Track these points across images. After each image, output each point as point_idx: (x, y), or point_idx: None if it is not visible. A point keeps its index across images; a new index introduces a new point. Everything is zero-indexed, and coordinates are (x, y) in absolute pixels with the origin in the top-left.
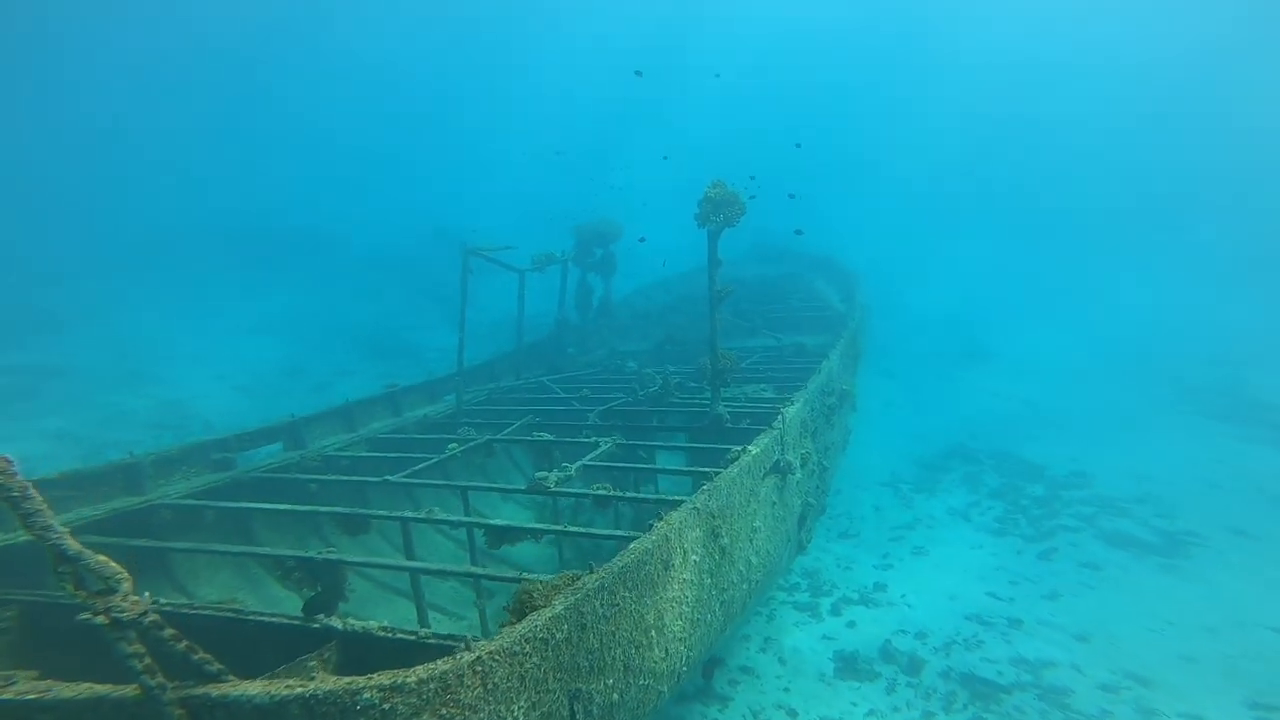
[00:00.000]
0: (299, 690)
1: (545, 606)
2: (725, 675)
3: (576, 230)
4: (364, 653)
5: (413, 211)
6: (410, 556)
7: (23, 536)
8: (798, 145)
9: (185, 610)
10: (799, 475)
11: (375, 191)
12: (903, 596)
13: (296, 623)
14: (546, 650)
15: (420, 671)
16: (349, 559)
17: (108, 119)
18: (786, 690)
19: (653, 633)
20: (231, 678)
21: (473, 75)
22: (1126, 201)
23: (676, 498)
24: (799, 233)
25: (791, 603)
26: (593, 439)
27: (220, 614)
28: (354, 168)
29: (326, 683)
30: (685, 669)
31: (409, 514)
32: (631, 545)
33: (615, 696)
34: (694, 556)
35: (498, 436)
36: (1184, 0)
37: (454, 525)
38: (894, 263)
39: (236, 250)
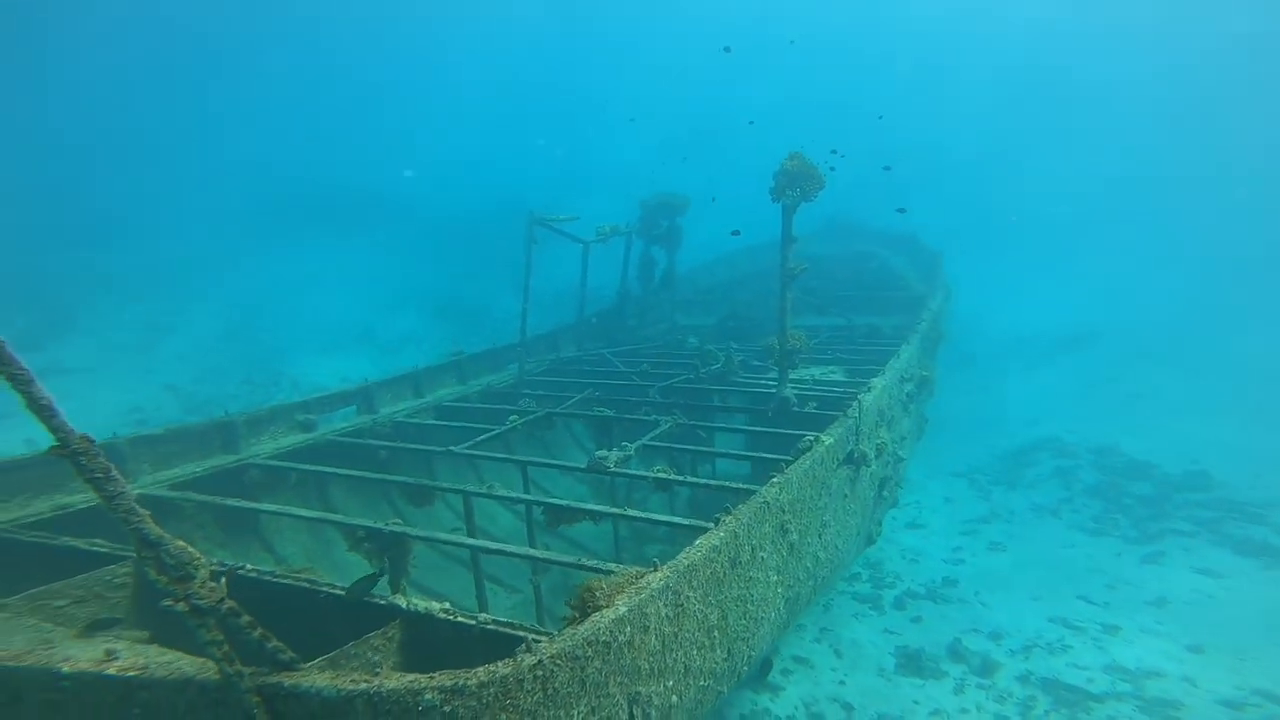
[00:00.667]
0: (364, 686)
1: (608, 606)
2: (778, 664)
3: (642, 202)
4: (426, 632)
5: (483, 178)
6: (471, 529)
7: (137, 490)
8: (880, 117)
9: (267, 578)
10: (873, 467)
11: (447, 158)
12: (976, 594)
13: (365, 598)
14: (609, 654)
15: (481, 674)
16: (414, 532)
17: (204, 95)
18: (842, 683)
19: (715, 633)
20: (303, 666)
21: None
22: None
23: (737, 485)
24: (902, 211)
25: (851, 593)
26: (653, 417)
27: (297, 583)
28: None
29: (390, 680)
30: (746, 668)
31: (471, 488)
32: (698, 541)
33: (674, 699)
34: (761, 553)
35: (558, 409)
36: None
37: (514, 502)
38: (977, 239)
39: (320, 216)
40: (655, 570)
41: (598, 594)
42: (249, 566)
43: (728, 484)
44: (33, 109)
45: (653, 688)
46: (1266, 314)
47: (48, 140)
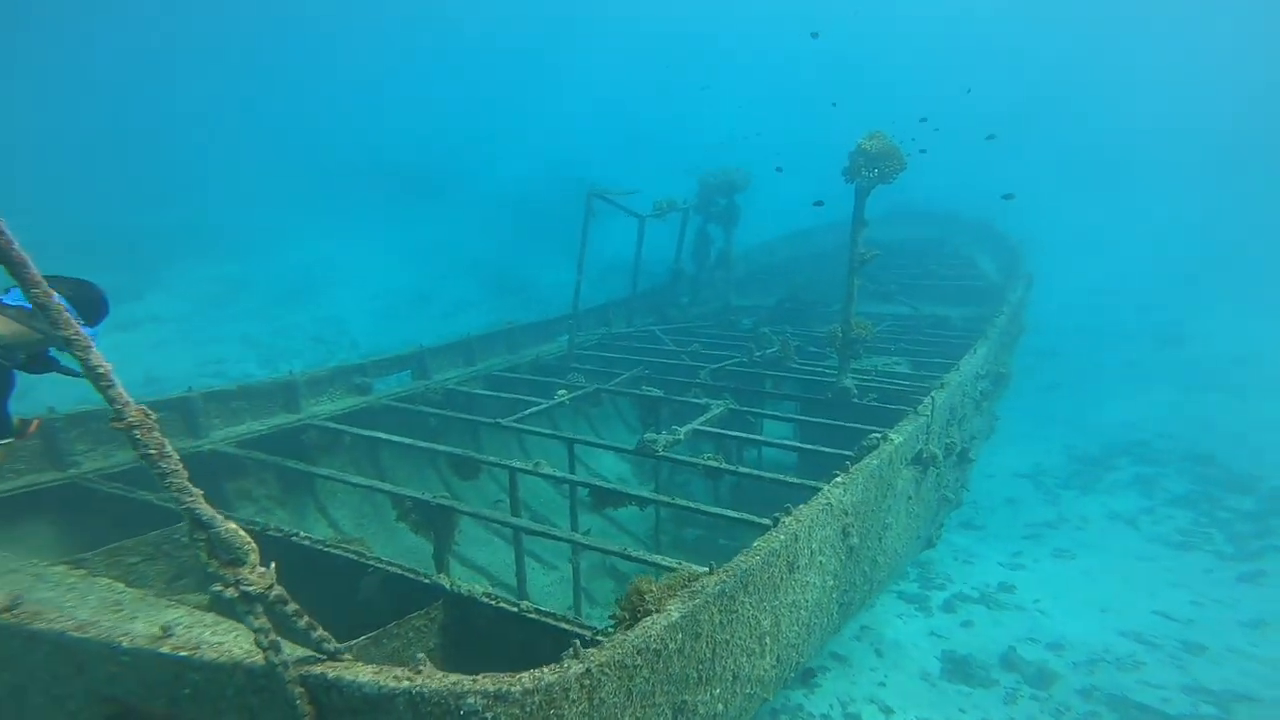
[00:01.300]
0: (405, 685)
1: (659, 611)
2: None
3: (701, 178)
4: (468, 614)
5: (541, 152)
6: (515, 506)
7: (208, 447)
8: (969, 90)
9: (318, 547)
10: (941, 468)
11: (508, 132)
12: (1035, 601)
13: (409, 575)
14: (658, 663)
15: (526, 680)
16: (460, 507)
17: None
18: (882, 684)
19: (766, 639)
20: (347, 656)
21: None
22: None
23: (791, 479)
24: (1009, 197)
25: (896, 591)
26: (703, 400)
27: (345, 553)
28: (489, 108)
29: (433, 680)
30: (793, 675)
31: (518, 464)
32: (756, 544)
33: (720, 707)
34: (820, 557)
35: (606, 386)
36: None
37: (559, 481)
38: (1070, 227)
39: (385, 185)
40: (711, 573)
41: (647, 597)
42: (301, 534)
43: (780, 477)
44: (128, 83)
45: (699, 696)
46: None
47: (142, 109)
